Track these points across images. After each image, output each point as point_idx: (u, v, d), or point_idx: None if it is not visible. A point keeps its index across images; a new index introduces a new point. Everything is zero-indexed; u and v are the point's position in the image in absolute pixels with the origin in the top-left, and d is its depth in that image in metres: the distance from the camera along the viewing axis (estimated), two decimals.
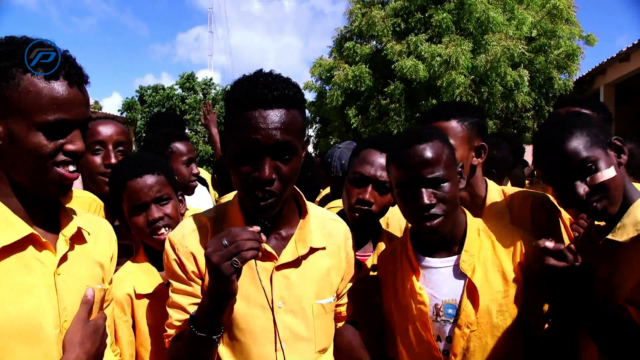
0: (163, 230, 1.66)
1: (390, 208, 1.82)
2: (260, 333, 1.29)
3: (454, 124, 1.77)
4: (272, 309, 1.28)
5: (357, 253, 1.61)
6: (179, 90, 25.39)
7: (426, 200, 1.36)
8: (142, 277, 1.65)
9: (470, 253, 1.46)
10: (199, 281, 1.32)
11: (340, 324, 1.52)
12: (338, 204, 2.20)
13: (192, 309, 1.28)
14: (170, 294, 1.34)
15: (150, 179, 1.67)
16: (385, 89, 10.93)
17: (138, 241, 1.82)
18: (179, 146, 2.41)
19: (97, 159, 2.00)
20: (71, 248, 1.18)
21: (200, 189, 2.85)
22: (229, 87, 1.33)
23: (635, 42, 9.20)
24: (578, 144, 1.32)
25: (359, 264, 1.71)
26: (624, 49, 9.62)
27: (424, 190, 1.37)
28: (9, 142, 1.05)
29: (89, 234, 1.26)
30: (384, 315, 1.60)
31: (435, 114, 1.83)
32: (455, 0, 10.45)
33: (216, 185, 3.21)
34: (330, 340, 1.44)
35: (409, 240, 1.54)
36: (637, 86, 10.24)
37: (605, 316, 1.30)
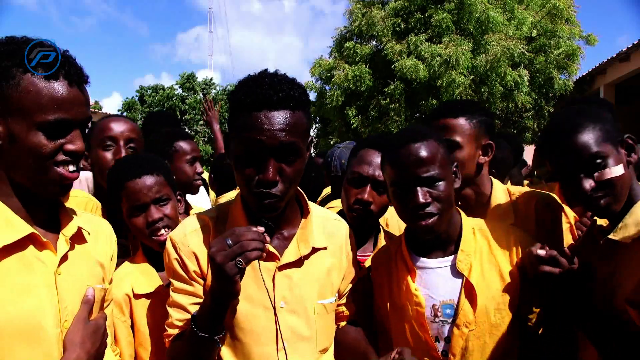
0: (163, 231, 1.65)
1: (390, 207, 1.82)
2: (262, 333, 1.29)
3: (462, 121, 1.76)
4: (274, 309, 1.29)
5: (356, 253, 1.60)
6: (179, 90, 25.39)
7: (421, 199, 1.36)
8: (140, 277, 1.65)
9: (467, 252, 1.46)
10: (201, 281, 1.32)
11: (342, 324, 1.52)
12: (338, 203, 2.20)
13: (193, 309, 1.28)
14: (171, 293, 1.34)
15: (149, 180, 1.66)
16: (385, 89, 10.93)
17: (134, 241, 1.82)
18: (183, 145, 2.41)
19: (108, 155, 2.00)
20: (71, 248, 1.18)
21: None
22: (230, 86, 1.34)
23: (635, 42, 9.20)
24: (589, 137, 1.29)
25: (358, 264, 1.71)
26: (624, 49, 9.63)
27: (419, 189, 1.37)
28: (9, 142, 1.05)
29: (89, 234, 1.26)
30: (378, 316, 1.60)
31: (443, 111, 1.82)
32: (455, 0, 10.45)
33: (213, 185, 3.21)
34: (331, 340, 1.45)
35: (403, 241, 1.54)
36: (637, 86, 10.25)
37: (604, 317, 1.30)
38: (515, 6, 11.01)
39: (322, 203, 2.65)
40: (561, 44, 10.74)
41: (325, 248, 1.40)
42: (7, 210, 1.09)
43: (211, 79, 26.48)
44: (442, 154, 1.41)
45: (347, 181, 1.81)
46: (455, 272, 1.45)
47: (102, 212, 2.00)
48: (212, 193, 3.39)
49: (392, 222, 2.16)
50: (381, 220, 1.96)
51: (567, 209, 1.77)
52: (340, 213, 1.76)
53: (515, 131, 11.39)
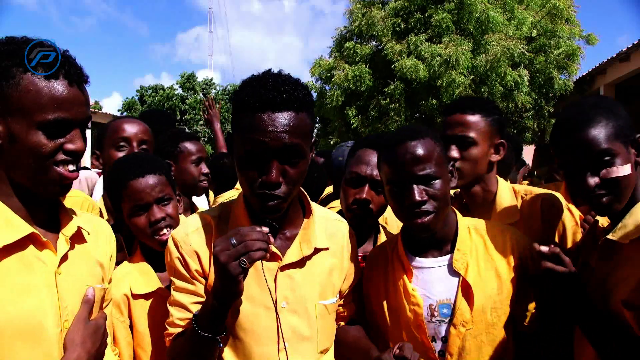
0: (165, 230, 1.64)
1: (389, 207, 1.82)
2: (264, 333, 1.29)
3: (478, 118, 1.76)
4: (276, 309, 1.28)
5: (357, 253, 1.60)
6: (179, 90, 25.39)
7: (417, 197, 1.36)
8: (138, 277, 1.64)
9: (463, 251, 1.46)
10: (202, 280, 1.31)
11: (341, 323, 1.52)
12: (338, 203, 2.20)
13: (195, 308, 1.27)
14: (173, 292, 1.33)
15: (152, 179, 1.65)
16: (385, 89, 10.93)
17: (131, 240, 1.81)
18: (188, 145, 2.41)
19: (121, 155, 2.01)
20: (71, 247, 1.19)
21: None
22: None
23: (635, 42, 9.18)
24: (601, 132, 1.25)
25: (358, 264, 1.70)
26: (624, 49, 9.61)
27: (415, 186, 1.37)
28: (9, 141, 1.05)
29: (88, 234, 1.26)
30: (373, 316, 1.58)
31: (460, 107, 1.81)
32: (455, 0, 10.44)
33: (211, 185, 3.20)
34: (332, 340, 1.44)
35: (400, 241, 1.54)
36: (637, 86, 10.23)
37: (604, 317, 1.29)
38: (515, 6, 11.00)
39: (323, 203, 2.65)
40: (561, 44, 10.73)
41: (327, 249, 1.39)
42: (7, 210, 1.09)
43: (211, 79, 26.48)
44: (439, 152, 1.41)
45: (345, 181, 1.81)
46: (452, 272, 1.45)
47: (108, 212, 2.00)
48: (210, 193, 3.38)
49: (391, 221, 2.16)
50: (380, 220, 1.96)
51: (573, 208, 1.75)
52: (340, 213, 1.76)
53: (515, 131, 11.38)
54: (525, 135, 11.53)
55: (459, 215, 1.54)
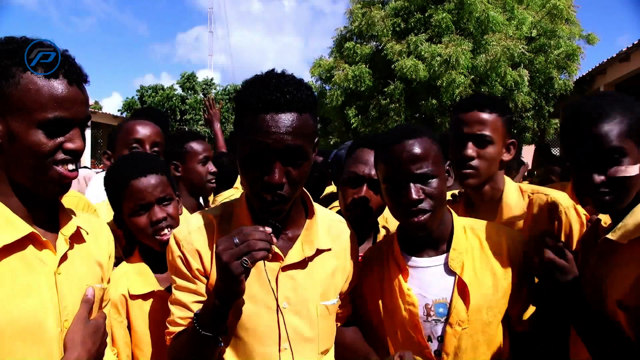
0: (166, 230, 1.63)
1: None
2: (265, 333, 1.29)
3: (495, 117, 1.74)
4: (277, 310, 1.28)
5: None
6: (179, 91, 25.38)
7: (414, 195, 1.36)
8: (136, 278, 1.64)
9: (459, 251, 1.46)
10: (204, 279, 1.31)
11: (338, 324, 1.52)
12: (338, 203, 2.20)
13: (196, 307, 1.27)
14: (174, 290, 1.33)
15: (154, 179, 1.64)
16: (385, 89, 10.92)
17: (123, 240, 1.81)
18: (195, 145, 2.40)
19: None
20: (71, 247, 1.19)
21: None
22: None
23: (635, 42, 9.18)
24: (614, 128, 1.20)
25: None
26: (624, 49, 9.60)
27: (412, 185, 1.36)
28: (9, 141, 1.05)
29: (87, 234, 1.26)
30: (368, 316, 1.58)
31: (477, 104, 1.76)
32: (455, 0, 10.44)
33: None
34: (332, 341, 1.44)
35: (396, 240, 1.53)
36: (637, 86, 10.22)
37: (597, 318, 1.28)
38: (515, 6, 11.00)
39: (323, 202, 2.65)
40: (561, 44, 10.72)
41: (329, 250, 1.39)
42: (6, 210, 1.09)
43: (211, 79, 26.45)
44: (436, 151, 1.41)
45: (344, 181, 1.81)
46: (448, 271, 1.45)
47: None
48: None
49: (392, 221, 2.16)
50: (381, 220, 1.96)
51: (580, 208, 1.73)
52: (339, 213, 1.76)
53: (515, 131, 11.38)
54: (525, 135, 11.53)
55: (454, 214, 1.54)
